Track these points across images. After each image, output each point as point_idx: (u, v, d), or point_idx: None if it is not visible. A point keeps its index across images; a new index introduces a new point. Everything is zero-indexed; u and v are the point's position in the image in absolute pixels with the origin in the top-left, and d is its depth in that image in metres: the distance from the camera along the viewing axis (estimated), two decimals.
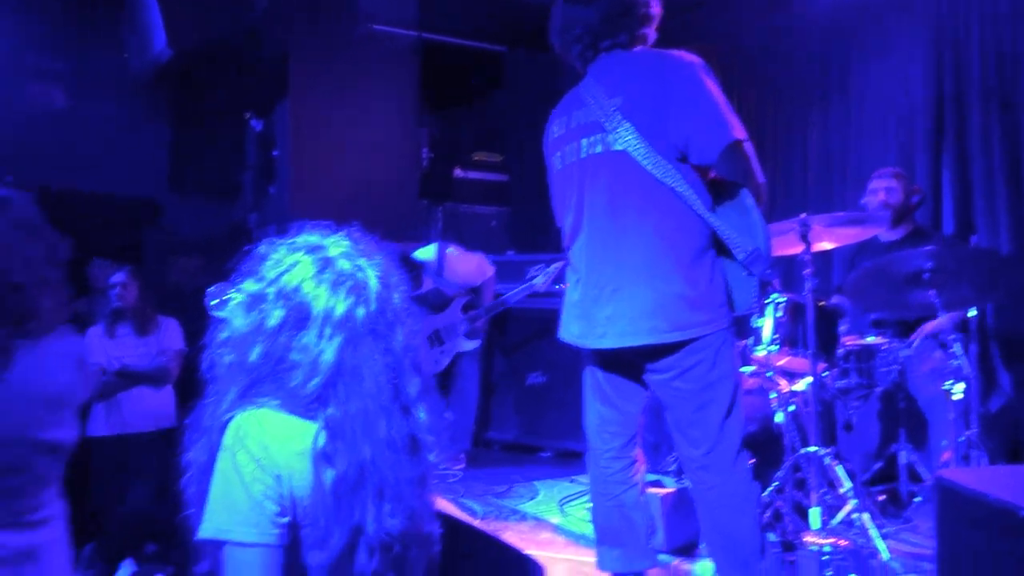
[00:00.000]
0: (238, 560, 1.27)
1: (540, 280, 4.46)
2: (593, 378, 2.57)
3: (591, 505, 2.66)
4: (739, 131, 2.28)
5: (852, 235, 3.38)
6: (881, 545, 2.82)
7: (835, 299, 3.90)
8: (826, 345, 3.24)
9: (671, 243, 2.30)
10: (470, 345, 4.49)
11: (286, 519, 1.30)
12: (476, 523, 2.20)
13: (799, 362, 3.32)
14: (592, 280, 2.39)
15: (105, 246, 5.15)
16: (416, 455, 1.41)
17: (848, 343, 3.41)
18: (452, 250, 4.47)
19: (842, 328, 3.46)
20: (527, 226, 6.11)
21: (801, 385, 3.38)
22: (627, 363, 2.46)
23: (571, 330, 2.50)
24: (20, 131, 6.22)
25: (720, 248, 2.35)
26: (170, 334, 4.36)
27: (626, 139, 2.30)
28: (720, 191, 2.38)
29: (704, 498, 2.39)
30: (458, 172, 6.18)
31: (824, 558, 2.73)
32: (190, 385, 2.73)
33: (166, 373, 4.25)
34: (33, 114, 6.36)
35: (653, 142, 2.28)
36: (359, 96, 5.98)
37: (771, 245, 2.35)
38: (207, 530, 1.28)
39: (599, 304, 2.36)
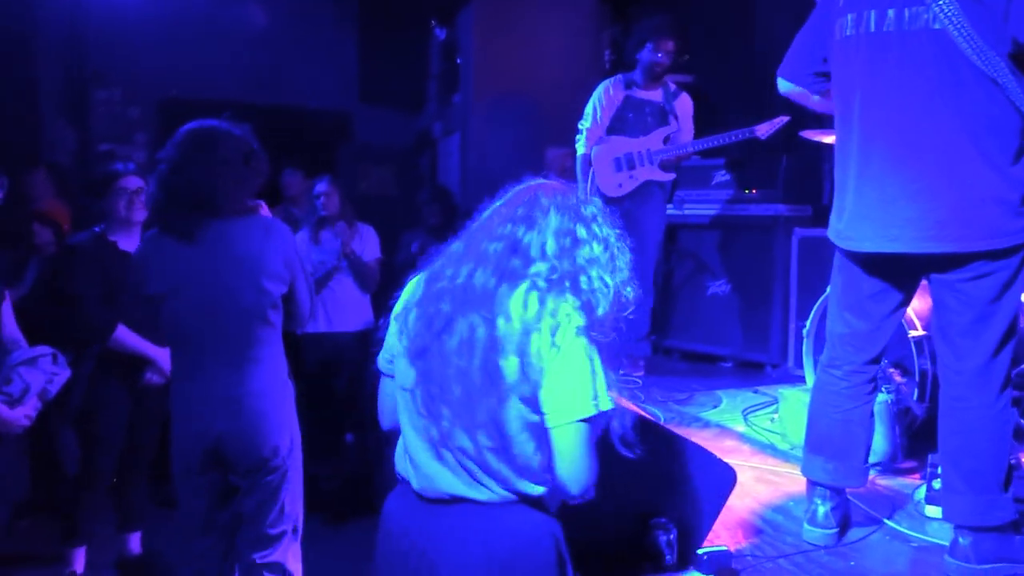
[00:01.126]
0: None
1: (764, 128, 4.21)
2: (851, 284, 2.37)
3: (810, 410, 2.52)
4: None
5: None
6: None
7: None
8: None
9: (988, 140, 2.06)
10: (661, 176, 4.41)
11: None
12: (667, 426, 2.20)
13: None
14: (884, 176, 2.16)
15: (300, 157, 5.49)
16: None
17: None
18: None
19: None
20: (711, 127, 5.86)
21: None
22: (902, 270, 2.28)
23: (848, 231, 2.28)
24: (219, 50, 6.67)
25: None
26: (369, 241, 4.62)
27: (951, 18, 2.01)
28: None
29: (956, 416, 2.22)
30: None
31: None
32: (385, 290, 2.88)
33: (375, 273, 4.54)
34: (232, 33, 6.77)
35: (979, 24, 2.00)
36: (540, 1, 5.90)
37: None
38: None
39: (896, 204, 2.13)
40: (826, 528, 2.37)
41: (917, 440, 2.99)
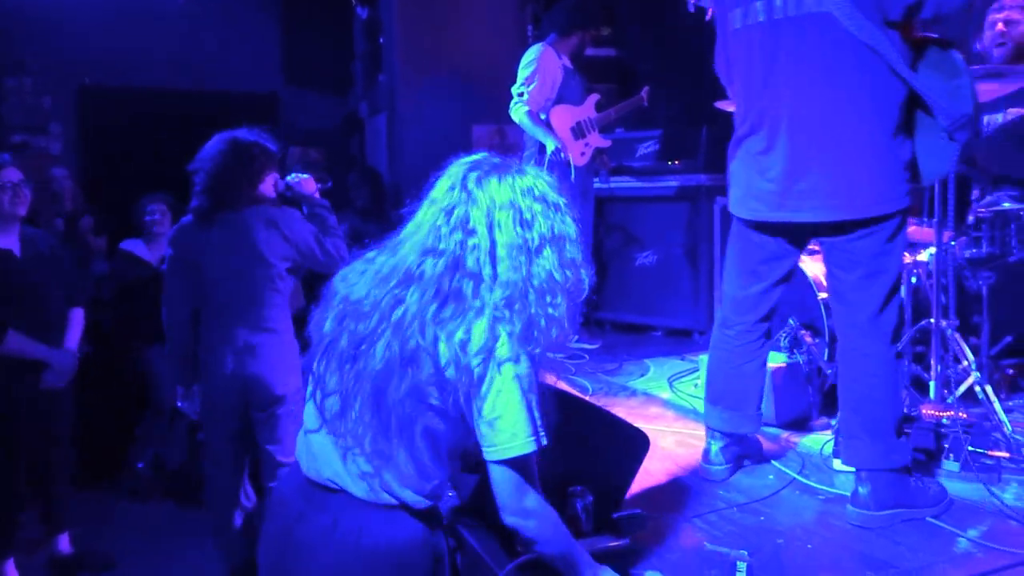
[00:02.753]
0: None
1: (644, 96, 4.62)
2: (746, 252, 2.53)
3: (708, 365, 2.71)
4: None
5: (990, 92, 3.09)
6: (1004, 418, 2.71)
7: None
8: (955, 213, 3.04)
9: (873, 113, 2.19)
10: (604, 142, 4.55)
11: None
12: (586, 398, 2.25)
13: (923, 232, 3.14)
14: (782, 152, 2.29)
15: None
16: None
17: (980, 210, 3.18)
18: None
19: (975, 195, 3.22)
20: None
21: (924, 256, 3.21)
22: (794, 237, 2.43)
23: (749, 202, 2.42)
24: (137, 35, 6.47)
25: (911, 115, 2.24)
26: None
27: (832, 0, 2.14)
28: (925, 52, 2.24)
29: (855, 365, 2.36)
30: None
31: (941, 430, 2.66)
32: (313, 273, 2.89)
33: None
34: (150, 17, 6.57)
35: (860, 2, 2.13)
36: None
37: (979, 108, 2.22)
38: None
39: (793, 177, 2.27)
40: (717, 464, 2.61)
41: (829, 399, 3.11)
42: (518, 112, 4.31)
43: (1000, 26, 3.39)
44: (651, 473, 2.63)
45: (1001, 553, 2.05)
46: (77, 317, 3.31)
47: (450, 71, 5.80)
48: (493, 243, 1.49)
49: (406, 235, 1.57)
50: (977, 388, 2.84)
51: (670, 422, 3.30)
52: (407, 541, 1.54)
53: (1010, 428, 2.70)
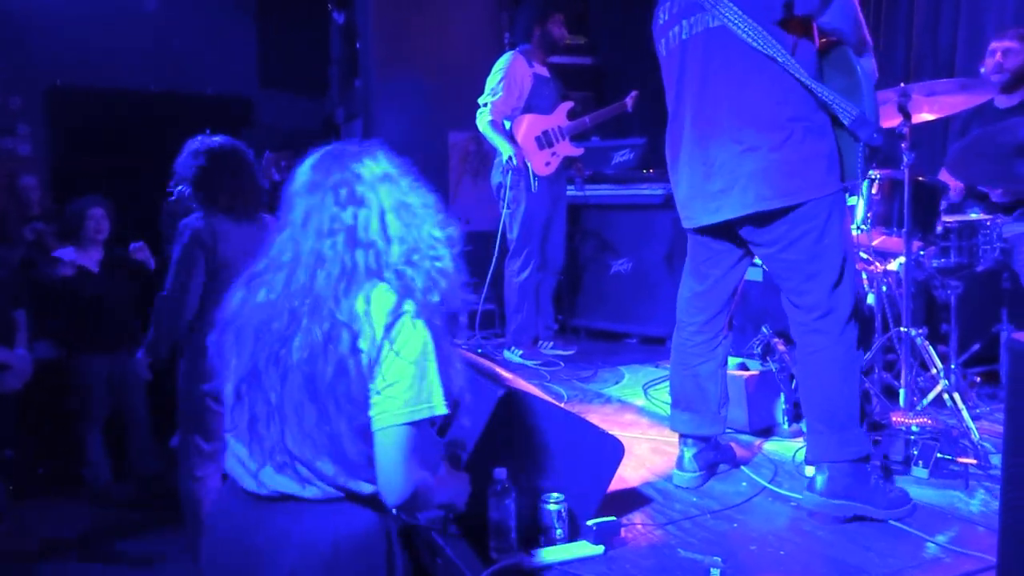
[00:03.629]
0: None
1: (628, 102, 4.58)
2: (692, 254, 2.65)
3: (671, 369, 2.77)
4: None
5: (957, 104, 3.16)
6: (972, 425, 2.75)
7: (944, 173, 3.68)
8: (924, 223, 3.09)
9: (772, 111, 2.29)
10: (575, 151, 4.53)
11: None
12: (561, 405, 2.26)
13: (893, 241, 3.18)
14: (697, 157, 2.41)
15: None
16: None
17: (948, 220, 3.24)
18: None
19: (944, 205, 3.28)
20: None
21: (894, 265, 3.25)
22: (728, 237, 2.51)
23: (684, 211, 2.55)
24: (110, 34, 6.39)
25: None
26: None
27: (724, 14, 2.29)
28: (825, 55, 2.38)
29: (809, 361, 2.41)
30: None
31: (911, 437, 2.69)
32: None
33: None
34: (123, 16, 6.49)
35: (751, 10, 2.27)
36: None
37: (877, 107, 2.32)
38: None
39: (709, 180, 2.39)
40: (691, 471, 2.62)
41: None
42: (482, 121, 4.36)
43: (999, 56, 3.50)
44: (625, 480, 2.64)
45: (969, 558, 2.08)
46: (22, 318, 3.31)
47: (427, 77, 5.79)
48: (382, 211, 1.58)
49: (291, 230, 1.60)
50: (946, 396, 2.88)
51: (644, 429, 3.31)
52: (364, 530, 1.57)
53: (977, 435, 2.74)
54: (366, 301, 1.51)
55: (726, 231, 2.49)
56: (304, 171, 1.63)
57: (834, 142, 2.34)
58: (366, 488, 1.56)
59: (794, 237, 2.34)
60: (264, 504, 1.56)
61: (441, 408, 1.53)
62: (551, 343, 4.68)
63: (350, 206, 1.56)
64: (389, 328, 1.49)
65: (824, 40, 2.39)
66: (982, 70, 3.63)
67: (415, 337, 1.50)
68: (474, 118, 4.40)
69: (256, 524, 1.56)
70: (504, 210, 4.41)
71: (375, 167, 1.61)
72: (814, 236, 2.32)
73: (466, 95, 4.63)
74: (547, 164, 4.40)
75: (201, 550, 1.68)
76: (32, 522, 3.60)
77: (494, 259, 4.47)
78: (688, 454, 2.64)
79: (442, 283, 1.58)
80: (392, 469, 1.51)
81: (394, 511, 1.60)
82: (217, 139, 2.95)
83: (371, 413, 1.50)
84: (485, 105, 4.34)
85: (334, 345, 1.48)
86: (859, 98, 2.29)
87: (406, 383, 1.49)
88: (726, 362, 2.72)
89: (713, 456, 2.69)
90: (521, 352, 4.47)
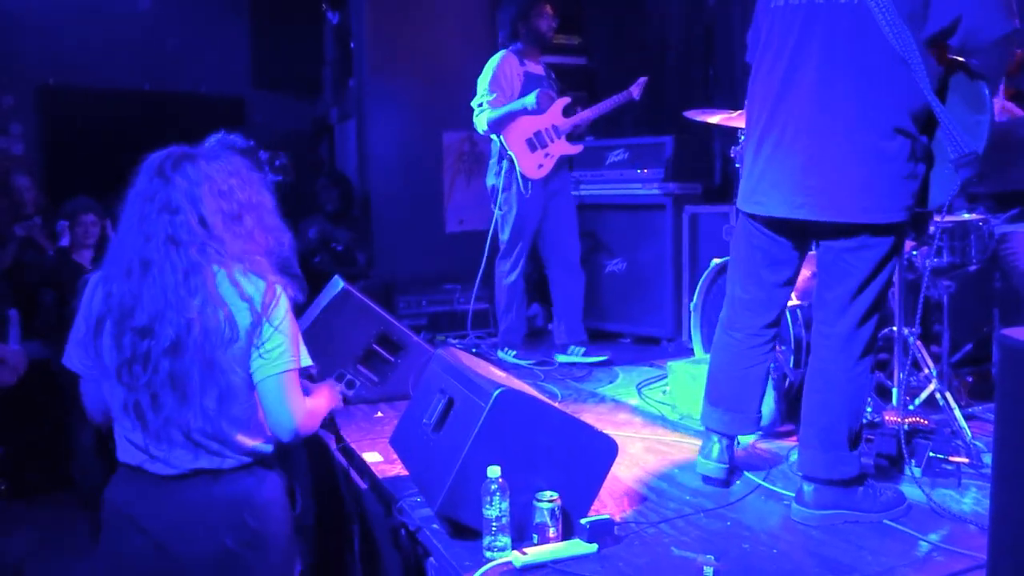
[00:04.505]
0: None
1: (635, 90, 4.35)
2: (750, 255, 2.49)
3: (711, 367, 2.65)
4: (1016, 18, 2.09)
5: None
6: (964, 424, 2.76)
7: None
8: (917, 223, 3.10)
9: (892, 119, 2.14)
10: (572, 149, 4.41)
11: None
12: (555, 404, 2.26)
13: None
14: (794, 146, 2.23)
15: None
16: None
17: (941, 220, 3.24)
18: None
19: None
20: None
21: None
22: (798, 237, 2.39)
23: (757, 196, 2.35)
24: (102, 33, 6.36)
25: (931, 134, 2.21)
26: None
27: None
28: (955, 77, 2.22)
29: (818, 377, 2.37)
30: None
31: (903, 436, 2.69)
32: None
33: None
34: (116, 15, 6.46)
35: (900, 3, 2.07)
36: None
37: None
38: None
39: (803, 173, 2.22)
40: (721, 463, 2.57)
41: (795, 405, 3.14)
42: (480, 122, 4.31)
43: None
44: (619, 478, 2.64)
45: (961, 556, 2.08)
46: (15, 316, 3.29)
47: (421, 78, 5.78)
48: (200, 216, 1.75)
49: (125, 231, 1.77)
50: (938, 395, 2.89)
51: (638, 428, 3.31)
52: (275, 490, 1.86)
53: (970, 434, 2.75)
54: (226, 286, 1.73)
55: (800, 228, 2.35)
56: (137, 175, 1.81)
57: (925, 166, 2.24)
58: (266, 448, 1.83)
59: (867, 244, 2.24)
60: (169, 484, 1.75)
61: (307, 360, 1.86)
62: (583, 349, 4.45)
63: (165, 213, 1.74)
64: (260, 302, 1.75)
65: (951, 60, 2.22)
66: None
67: (280, 303, 1.78)
68: (468, 118, 4.39)
69: (157, 509, 1.74)
70: (496, 211, 4.39)
71: (194, 172, 1.77)
72: (881, 251, 2.24)
73: (460, 95, 4.62)
74: (540, 167, 4.29)
75: (102, 538, 1.81)
76: (22, 521, 3.58)
77: (484, 259, 4.46)
78: (719, 447, 2.57)
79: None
80: (280, 412, 1.79)
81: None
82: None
83: (252, 369, 1.76)
84: (480, 107, 4.30)
85: (195, 337, 1.69)
86: (979, 136, 2.16)
87: (282, 341, 1.78)
88: (771, 364, 2.66)
89: (733, 453, 2.65)
90: (515, 352, 4.46)
